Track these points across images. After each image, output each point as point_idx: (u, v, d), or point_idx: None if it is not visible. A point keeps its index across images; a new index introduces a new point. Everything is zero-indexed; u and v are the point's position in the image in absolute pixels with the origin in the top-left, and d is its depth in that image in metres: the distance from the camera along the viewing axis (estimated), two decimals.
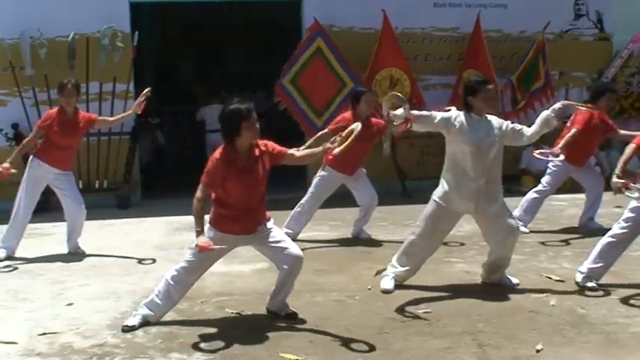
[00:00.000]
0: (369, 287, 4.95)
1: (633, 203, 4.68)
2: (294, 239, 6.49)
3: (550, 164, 6.65)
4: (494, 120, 4.77)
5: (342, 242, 6.57)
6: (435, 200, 4.82)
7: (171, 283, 4.26)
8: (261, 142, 4.25)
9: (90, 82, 8.78)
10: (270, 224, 4.32)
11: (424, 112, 4.67)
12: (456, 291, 4.85)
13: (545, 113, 4.73)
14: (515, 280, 4.98)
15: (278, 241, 4.29)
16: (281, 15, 10.73)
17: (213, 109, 10.83)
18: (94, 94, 8.87)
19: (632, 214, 4.67)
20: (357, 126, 4.10)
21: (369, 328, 4.17)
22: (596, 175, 6.92)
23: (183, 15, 12.59)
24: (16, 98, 8.71)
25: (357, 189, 6.63)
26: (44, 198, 8.77)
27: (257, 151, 4.20)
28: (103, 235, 7.31)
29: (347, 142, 4.01)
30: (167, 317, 4.45)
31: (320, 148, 4.21)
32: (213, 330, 4.22)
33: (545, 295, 4.70)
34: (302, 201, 6.58)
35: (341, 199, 6.76)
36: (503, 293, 4.78)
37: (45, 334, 4.18)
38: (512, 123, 4.84)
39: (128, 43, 8.92)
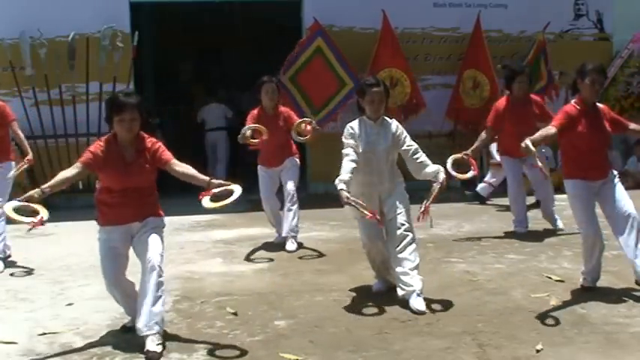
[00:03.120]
0: (370, 287, 4.94)
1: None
2: (283, 241, 6.47)
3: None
4: (394, 126, 4.68)
5: (342, 242, 6.57)
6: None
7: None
8: (150, 141, 4.11)
9: (90, 82, 8.79)
10: (151, 224, 4.07)
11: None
12: (456, 291, 4.85)
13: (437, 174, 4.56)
14: (417, 307, 4.45)
15: (146, 245, 4.02)
16: (281, 15, 10.73)
17: (212, 108, 11.00)
18: (94, 94, 8.87)
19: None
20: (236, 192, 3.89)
21: (369, 328, 4.17)
22: (536, 177, 6.66)
23: (183, 15, 12.58)
24: (16, 98, 8.71)
25: (283, 179, 6.53)
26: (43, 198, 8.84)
27: (143, 148, 4.06)
28: None
29: (219, 205, 3.82)
30: (167, 317, 4.44)
31: (201, 177, 3.98)
32: (213, 330, 4.22)
33: (545, 295, 4.70)
34: None
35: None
36: (503, 293, 4.78)
37: (45, 334, 4.18)
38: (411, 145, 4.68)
39: (128, 43, 8.92)
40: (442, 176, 4.55)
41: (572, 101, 4.70)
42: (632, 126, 4.82)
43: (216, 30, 12.99)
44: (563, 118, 4.57)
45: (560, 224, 6.74)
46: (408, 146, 4.68)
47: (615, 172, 4.74)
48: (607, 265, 5.34)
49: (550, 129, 4.54)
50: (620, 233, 4.57)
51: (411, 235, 4.64)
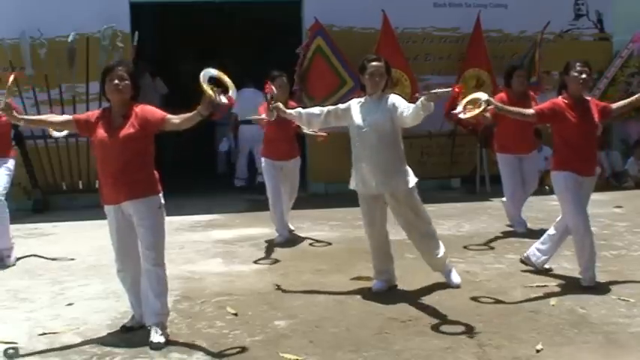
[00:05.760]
0: (369, 287, 4.94)
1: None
2: (284, 241, 6.53)
3: None
4: (392, 99, 4.66)
5: (342, 242, 6.57)
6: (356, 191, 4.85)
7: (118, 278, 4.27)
8: (139, 106, 4.12)
9: (90, 82, 8.77)
10: (145, 212, 4.01)
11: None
12: (456, 291, 4.86)
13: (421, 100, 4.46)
14: (455, 281, 4.96)
15: (142, 238, 4.06)
16: (281, 15, 10.73)
17: (246, 94, 9.37)
18: (94, 95, 8.84)
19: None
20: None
21: (369, 328, 4.17)
22: (531, 173, 6.77)
23: (184, 15, 12.59)
24: (16, 98, 8.69)
25: (284, 182, 6.63)
26: (43, 198, 8.86)
27: (130, 114, 4.06)
28: (103, 235, 7.28)
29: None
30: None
31: (197, 112, 3.86)
32: (213, 330, 4.22)
33: (545, 295, 4.70)
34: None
35: (341, 199, 6.76)
36: (503, 293, 4.78)
37: (45, 334, 4.18)
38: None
39: (128, 43, 8.92)
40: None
41: (559, 97, 4.91)
42: (615, 105, 5.03)
43: (216, 30, 12.99)
44: (547, 106, 4.82)
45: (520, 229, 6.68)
46: (402, 109, 4.58)
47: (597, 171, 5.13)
48: (607, 265, 5.35)
49: (529, 110, 4.91)
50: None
51: (423, 216, 4.83)
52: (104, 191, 4.12)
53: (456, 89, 4.39)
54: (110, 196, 4.07)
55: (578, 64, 4.84)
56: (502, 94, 6.70)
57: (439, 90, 4.31)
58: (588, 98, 4.95)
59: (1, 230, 5.92)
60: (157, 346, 3.91)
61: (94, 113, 4.18)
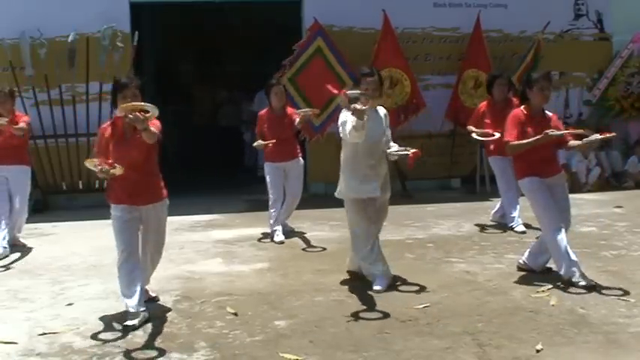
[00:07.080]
0: (369, 287, 4.94)
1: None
2: (282, 241, 6.61)
3: None
4: (384, 114, 5.05)
5: (342, 242, 6.55)
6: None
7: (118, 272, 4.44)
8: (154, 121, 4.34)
9: (90, 82, 8.77)
10: (162, 208, 4.48)
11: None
12: (456, 291, 4.85)
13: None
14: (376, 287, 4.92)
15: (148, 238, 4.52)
16: (281, 15, 10.73)
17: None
18: (94, 95, 8.86)
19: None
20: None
21: (369, 328, 4.17)
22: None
23: (184, 15, 12.59)
24: (17, 98, 8.70)
25: (286, 182, 6.86)
26: (43, 198, 8.86)
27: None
28: (103, 235, 7.29)
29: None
30: (167, 317, 4.45)
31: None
32: (213, 330, 4.22)
33: (545, 295, 4.70)
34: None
35: (340, 199, 6.74)
36: (504, 293, 4.78)
37: (45, 334, 4.18)
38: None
39: (128, 43, 8.92)
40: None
41: (521, 108, 5.13)
42: (571, 143, 5.02)
43: (216, 30, 13.00)
44: (515, 127, 5.00)
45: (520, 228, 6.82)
46: (388, 136, 5.05)
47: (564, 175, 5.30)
48: (607, 265, 5.36)
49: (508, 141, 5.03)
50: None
51: None
52: (118, 194, 4.34)
53: (411, 155, 4.74)
54: (127, 198, 4.32)
55: (543, 80, 5.04)
56: (483, 104, 6.98)
57: (400, 152, 4.83)
58: (549, 113, 5.15)
59: (20, 222, 6.59)
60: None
61: (105, 129, 4.40)
